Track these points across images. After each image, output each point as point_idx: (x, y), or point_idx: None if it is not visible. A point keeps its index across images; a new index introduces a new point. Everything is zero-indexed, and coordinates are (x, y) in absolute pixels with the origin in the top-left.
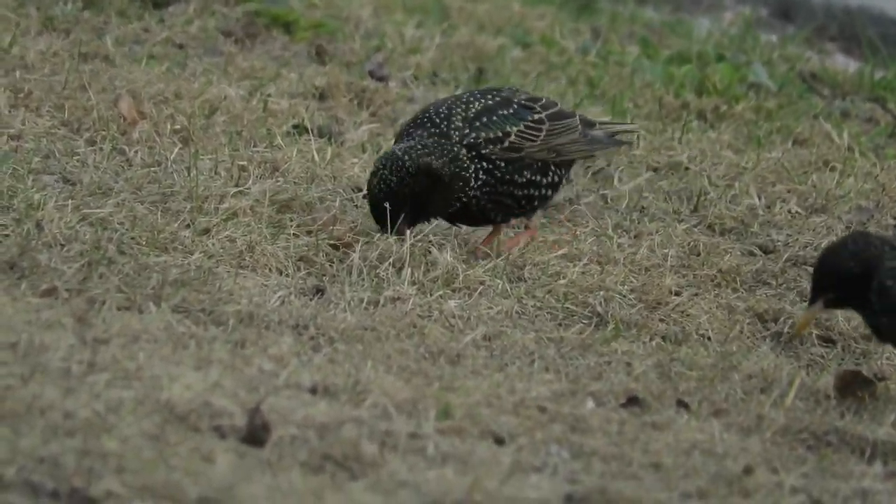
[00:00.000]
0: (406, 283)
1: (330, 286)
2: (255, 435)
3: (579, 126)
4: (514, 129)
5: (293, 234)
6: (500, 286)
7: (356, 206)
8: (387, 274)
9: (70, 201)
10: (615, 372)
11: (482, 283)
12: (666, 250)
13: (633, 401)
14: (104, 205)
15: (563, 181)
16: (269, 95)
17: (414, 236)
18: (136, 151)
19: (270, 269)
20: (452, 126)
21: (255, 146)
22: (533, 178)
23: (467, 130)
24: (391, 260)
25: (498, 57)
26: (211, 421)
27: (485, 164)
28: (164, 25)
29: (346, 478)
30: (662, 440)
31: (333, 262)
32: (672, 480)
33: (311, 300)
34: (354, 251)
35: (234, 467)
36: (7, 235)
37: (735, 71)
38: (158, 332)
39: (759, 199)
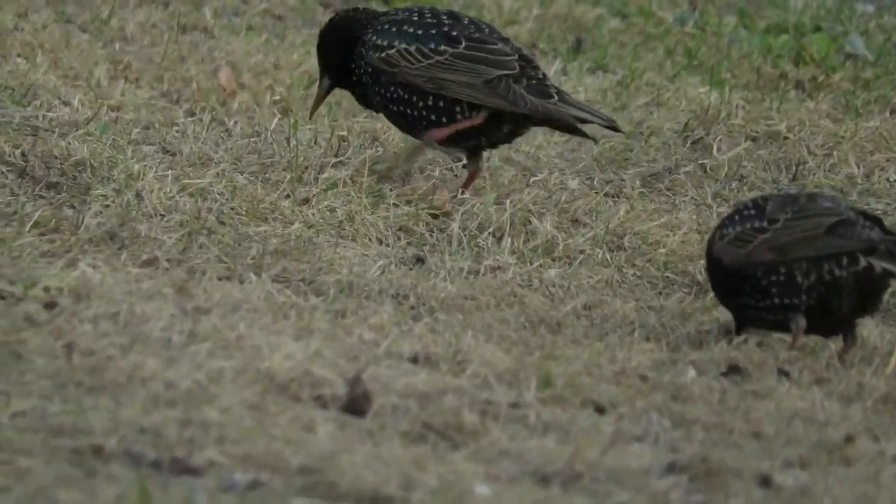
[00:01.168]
0: (506, 253)
1: (430, 255)
2: (356, 404)
3: (498, 78)
4: (402, 46)
5: (393, 203)
6: (599, 255)
7: (455, 175)
8: (487, 243)
9: (170, 172)
10: (716, 340)
11: (582, 251)
12: None
13: (733, 369)
14: (204, 175)
15: (460, 117)
16: None
17: (514, 205)
18: (236, 122)
19: (370, 239)
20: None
21: (354, 116)
22: (403, 95)
23: (381, 28)
24: (491, 229)
25: (595, 27)
26: (312, 390)
27: (365, 64)
28: None
29: (448, 447)
30: (763, 409)
31: (433, 232)
32: (773, 449)
33: (411, 269)
34: (454, 220)
35: (335, 437)
36: (107, 206)
37: (832, 41)
38: (259, 302)
39: (858, 167)
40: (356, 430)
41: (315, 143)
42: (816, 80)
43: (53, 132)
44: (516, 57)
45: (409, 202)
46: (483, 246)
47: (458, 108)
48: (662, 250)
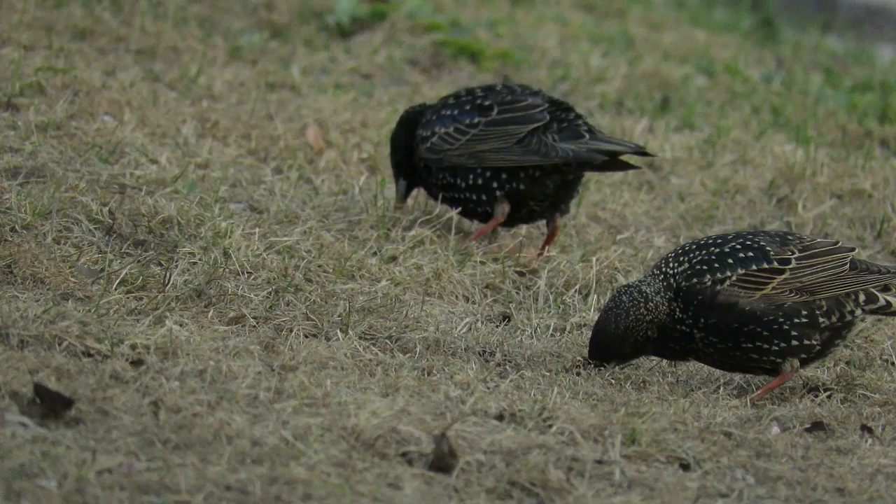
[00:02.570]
0: (592, 309)
1: (516, 313)
2: (442, 461)
3: (523, 134)
4: (441, 130)
5: (480, 261)
6: None
7: (542, 233)
8: (573, 300)
9: (257, 229)
10: (800, 397)
11: None
12: None
13: (817, 426)
14: (291, 233)
15: (499, 192)
16: None
17: (600, 263)
18: (323, 180)
19: (457, 296)
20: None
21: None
22: (451, 181)
23: (426, 119)
24: (577, 286)
25: (683, 86)
26: (398, 447)
27: (420, 159)
28: (350, 55)
29: None
30: (847, 465)
31: (520, 289)
32: None
33: (497, 326)
34: (541, 278)
35: (422, 494)
36: (195, 263)
37: None
38: (345, 359)
39: None
40: (442, 487)
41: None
42: None
43: (141, 190)
44: (546, 106)
45: (495, 260)
46: (569, 303)
47: (495, 184)
48: None
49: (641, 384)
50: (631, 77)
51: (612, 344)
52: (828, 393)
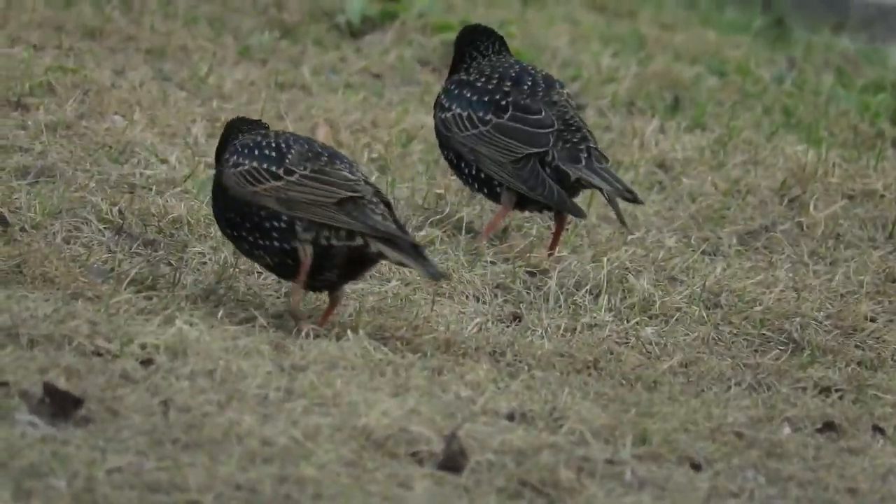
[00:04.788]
0: (603, 310)
1: (527, 313)
2: (453, 461)
3: (526, 158)
4: (457, 110)
5: (490, 261)
6: (696, 313)
7: (553, 233)
8: (584, 300)
9: None
10: (811, 397)
11: (679, 309)
12: (861, 277)
13: (829, 426)
14: None
15: (494, 189)
16: None
17: (611, 263)
18: None
19: (467, 297)
20: None
21: (451, 174)
22: (455, 163)
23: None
24: (588, 287)
25: (694, 86)
26: (408, 447)
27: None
28: (361, 55)
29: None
30: (858, 465)
31: (530, 289)
32: None
33: (508, 327)
34: (551, 278)
35: (432, 493)
36: (204, 263)
37: None
38: (356, 359)
39: None
40: (452, 487)
41: (412, 200)
42: None
43: (151, 190)
44: (553, 129)
45: (506, 260)
46: (580, 303)
47: (495, 182)
48: (759, 308)
49: (652, 384)
50: (642, 77)
51: None
52: (839, 393)
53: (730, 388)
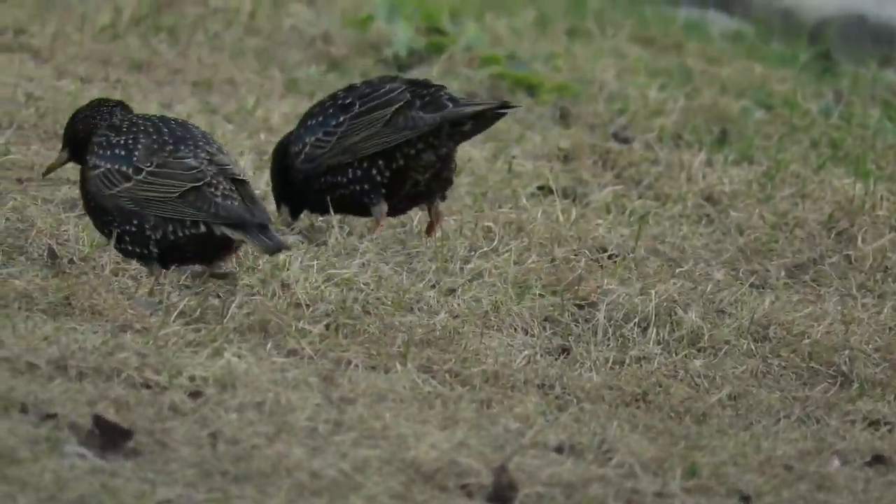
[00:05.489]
0: (651, 343)
1: (575, 345)
2: (502, 494)
3: (388, 115)
4: (312, 139)
5: (538, 293)
6: (744, 345)
7: (601, 266)
8: (632, 333)
9: (315, 262)
10: (860, 430)
11: (727, 342)
12: None
13: (878, 459)
14: (349, 265)
15: (384, 171)
16: (513, 157)
17: (659, 296)
18: None
19: (516, 329)
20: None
21: (499, 207)
22: (331, 180)
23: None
24: (636, 319)
25: (740, 119)
26: (457, 480)
27: (296, 176)
28: None
29: None
30: None
31: (579, 322)
32: None
33: (556, 359)
34: (600, 310)
35: None
36: (253, 296)
37: None
38: (404, 392)
39: None
40: None
41: (460, 233)
42: None
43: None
44: (404, 87)
45: (554, 292)
46: (628, 336)
47: (374, 171)
48: (807, 341)
49: (701, 417)
50: (689, 110)
51: None
52: (888, 426)
53: (779, 420)
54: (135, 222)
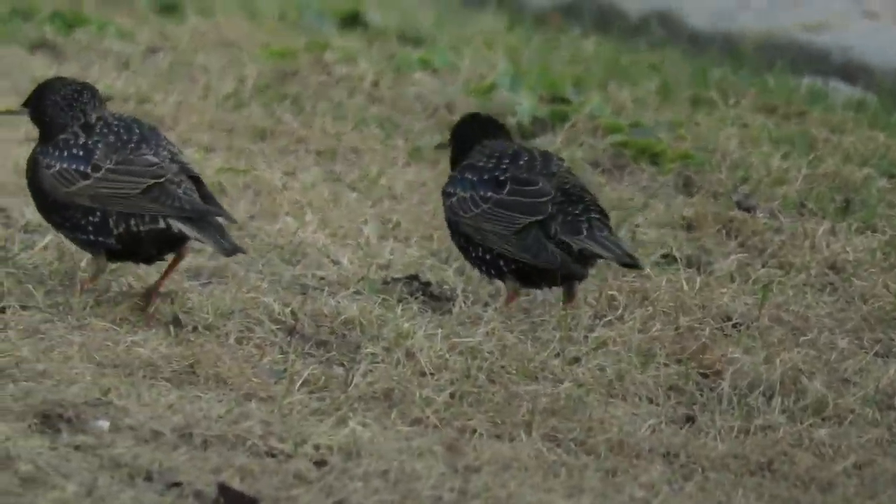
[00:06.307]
0: (776, 412)
1: (700, 414)
2: None
3: (522, 226)
4: (461, 193)
5: (663, 362)
6: (870, 414)
7: (725, 334)
8: (756, 402)
9: (440, 330)
10: None
11: (852, 411)
12: None
13: None
14: (474, 334)
15: (510, 265)
16: (637, 225)
17: (784, 364)
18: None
19: (640, 398)
20: None
21: (623, 276)
22: (464, 246)
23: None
24: (761, 388)
25: (864, 187)
26: None
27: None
28: None
29: None
30: None
31: (703, 391)
32: None
33: (681, 428)
34: (724, 379)
35: None
36: (378, 364)
37: None
38: (529, 460)
39: None
40: None
41: (585, 302)
42: None
43: (323, 291)
44: (551, 196)
45: (679, 361)
46: (753, 405)
47: (501, 262)
48: None
49: (827, 486)
50: (812, 178)
51: None
52: None
53: None
54: (98, 213)
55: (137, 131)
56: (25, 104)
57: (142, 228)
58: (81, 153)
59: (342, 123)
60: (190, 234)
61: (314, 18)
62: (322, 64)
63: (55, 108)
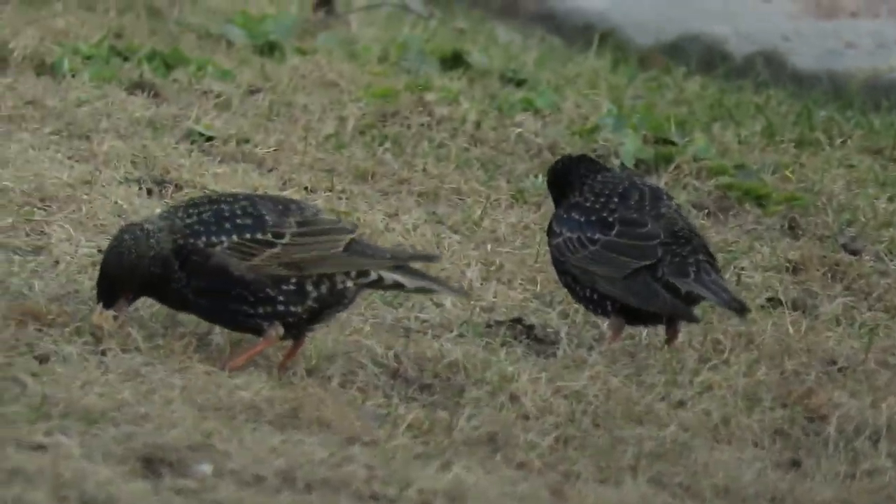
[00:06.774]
0: (883, 456)
1: (806, 458)
2: None
3: (629, 271)
4: (567, 234)
5: (768, 406)
6: None
7: (831, 378)
8: (863, 446)
9: (544, 374)
10: None
11: None
12: None
13: None
14: (579, 378)
15: (615, 305)
16: (742, 268)
17: (890, 408)
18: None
19: (746, 442)
20: None
21: (728, 319)
22: (572, 286)
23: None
24: (867, 432)
25: None
26: None
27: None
28: None
29: None
30: None
31: (809, 435)
32: None
33: (787, 473)
34: (830, 423)
35: None
36: (481, 408)
37: None
38: None
39: None
40: None
41: (689, 345)
42: None
43: (426, 334)
44: (660, 239)
45: (784, 405)
46: (859, 449)
47: (608, 303)
48: None
49: None
50: None
51: (116, 282)
52: None
53: None
54: (293, 281)
55: (274, 202)
56: None
57: (349, 284)
58: (249, 222)
59: (444, 165)
60: (409, 283)
61: (416, 59)
62: (424, 104)
63: None
